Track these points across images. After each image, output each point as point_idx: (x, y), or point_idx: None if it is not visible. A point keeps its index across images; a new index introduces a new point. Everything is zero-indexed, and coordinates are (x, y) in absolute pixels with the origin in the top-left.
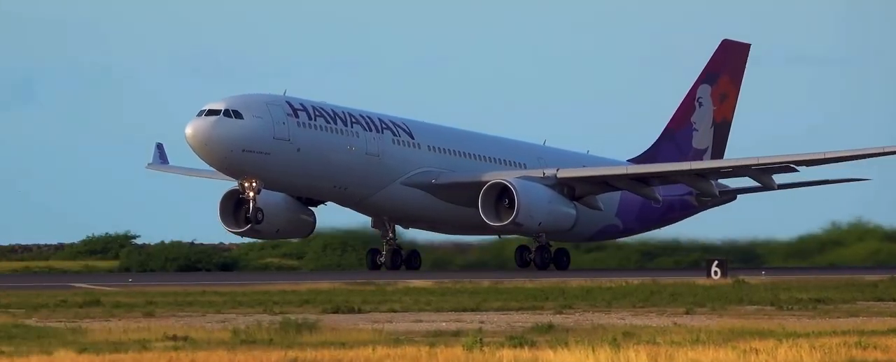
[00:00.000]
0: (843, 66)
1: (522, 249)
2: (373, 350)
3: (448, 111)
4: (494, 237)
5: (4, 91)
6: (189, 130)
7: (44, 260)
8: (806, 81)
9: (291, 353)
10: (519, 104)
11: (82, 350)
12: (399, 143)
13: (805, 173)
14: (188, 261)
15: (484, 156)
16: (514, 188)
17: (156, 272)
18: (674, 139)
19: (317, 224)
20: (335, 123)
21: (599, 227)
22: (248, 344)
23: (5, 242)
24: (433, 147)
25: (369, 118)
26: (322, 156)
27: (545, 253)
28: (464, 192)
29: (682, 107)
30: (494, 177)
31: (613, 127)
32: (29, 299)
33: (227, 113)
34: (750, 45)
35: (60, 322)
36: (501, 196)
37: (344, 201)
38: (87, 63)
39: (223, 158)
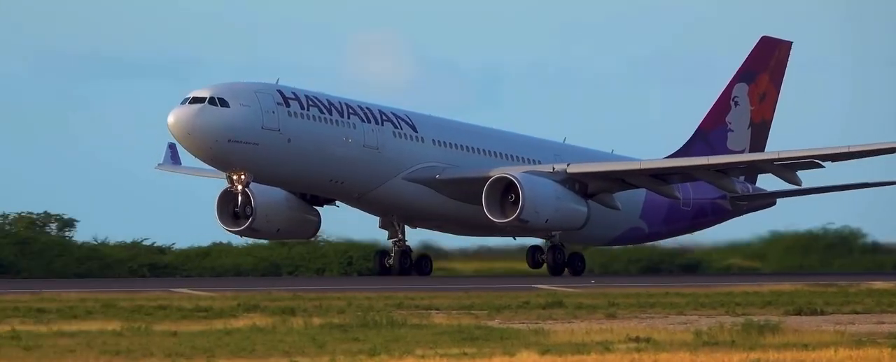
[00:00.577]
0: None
1: (535, 249)
2: (835, 351)
3: (465, 108)
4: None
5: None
6: (171, 118)
7: None
8: (851, 82)
9: (753, 355)
10: (540, 101)
11: (545, 351)
12: (401, 137)
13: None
14: (651, 262)
15: (494, 153)
16: (519, 182)
17: (618, 274)
18: (707, 140)
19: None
20: (330, 114)
21: (622, 230)
22: (710, 346)
23: None
24: (438, 141)
25: (368, 109)
26: (315, 147)
27: (558, 253)
28: (469, 188)
29: (717, 106)
30: (499, 171)
31: (642, 126)
32: (492, 300)
33: (212, 100)
34: (791, 42)
35: (523, 323)
36: (507, 192)
37: (343, 197)
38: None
39: (208, 149)
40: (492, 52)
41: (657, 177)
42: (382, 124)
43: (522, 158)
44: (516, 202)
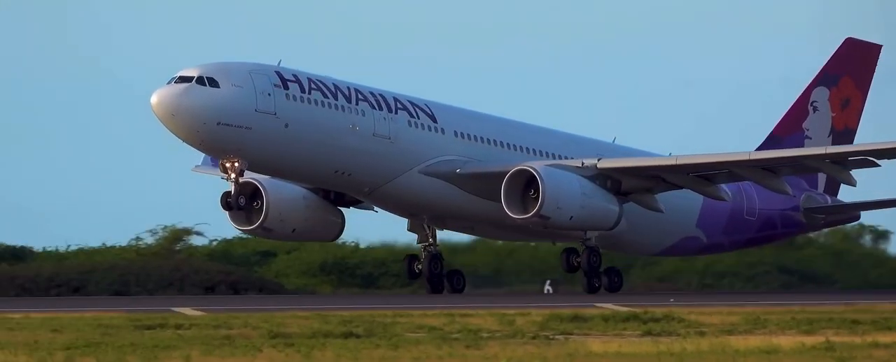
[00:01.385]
0: None
1: (570, 252)
2: None
3: (509, 105)
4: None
5: None
6: (154, 98)
7: None
8: None
9: None
10: (594, 101)
11: None
12: (417, 127)
13: None
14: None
15: (525, 148)
16: (539, 175)
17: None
18: (781, 146)
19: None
20: (335, 98)
21: (676, 239)
22: None
23: None
24: (461, 133)
25: (382, 96)
26: (317, 134)
27: (594, 256)
28: (492, 184)
29: (793, 111)
30: (520, 164)
31: (709, 131)
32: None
33: (200, 80)
34: (881, 46)
35: None
36: (529, 186)
37: (353, 190)
38: None
39: (195, 132)
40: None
41: (702, 178)
42: (396, 112)
43: (557, 156)
44: (538, 198)
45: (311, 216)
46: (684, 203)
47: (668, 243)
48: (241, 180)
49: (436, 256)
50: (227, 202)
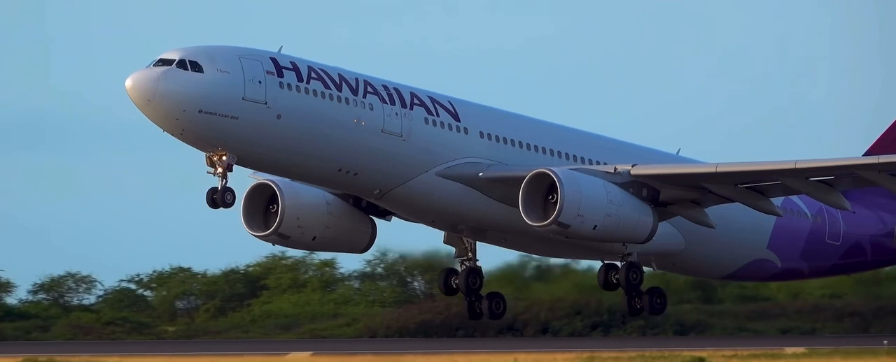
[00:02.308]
0: None
1: (608, 268)
2: None
3: (572, 112)
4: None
5: None
6: (129, 82)
7: None
8: None
9: None
10: (659, 113)
11: None
12: (435, 125)
13: None
14: None
15: (561, 153)
16: (558, 179)
17: None
18: None
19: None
20: (339, 90)
21: (744, 262)
22: None
23: None
24: (488, 134)
25: (397, 90)
26: (314, 127)
27: (634, 273)
28: (517, 190)
29: (893, 130)
30: (541, 167)
31: (798, 146)
32: None
33: (182, 63)
34: None
35: None
36: (551, 191)
37: (362, 192)
38: None
39: (173, 120)
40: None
41: (752, 190)
42: (412, 108)
43: (597, 162)
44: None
45: (334, 223)
46: (752, 221)
47: (734, 266)
48: (261, 181)
49: (474, 271)
50: (213, 199)
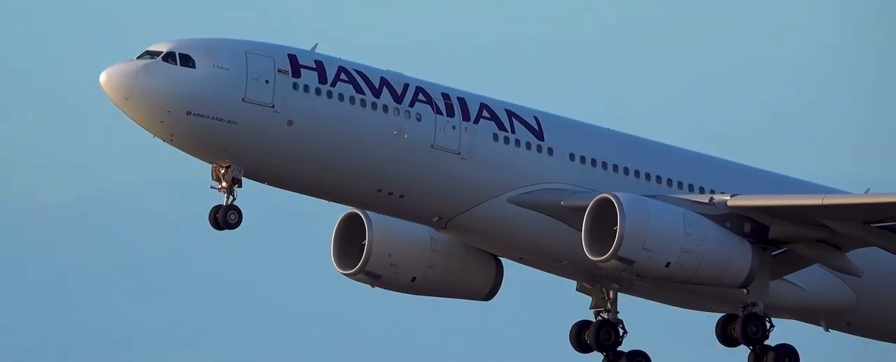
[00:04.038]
0: None
1: (727, 320)
2: None
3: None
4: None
5: None
6: (103, 76)
7: None
8: None
9: None
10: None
11: None
12: (507, 142)
13: None
14: None
15: (674, 181)
16: (619, 204)
17: None
18: None
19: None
20: (375, 95)
21: None
22: None
23: None
24: (579, 156)
25: (461, 100)
26: (337, 137)
27: (753, 326)
28: None
29: None
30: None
31: None
32: None
33: (170, 56)
34: None
35: None
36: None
37: (417, 217)
38: None
39: (158, 121)
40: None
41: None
42: (476, 121)
43: (716, 193)
44: None
45: (440, 262)
46: None
47: None
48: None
49: (608, 324)
50: (216, 219)
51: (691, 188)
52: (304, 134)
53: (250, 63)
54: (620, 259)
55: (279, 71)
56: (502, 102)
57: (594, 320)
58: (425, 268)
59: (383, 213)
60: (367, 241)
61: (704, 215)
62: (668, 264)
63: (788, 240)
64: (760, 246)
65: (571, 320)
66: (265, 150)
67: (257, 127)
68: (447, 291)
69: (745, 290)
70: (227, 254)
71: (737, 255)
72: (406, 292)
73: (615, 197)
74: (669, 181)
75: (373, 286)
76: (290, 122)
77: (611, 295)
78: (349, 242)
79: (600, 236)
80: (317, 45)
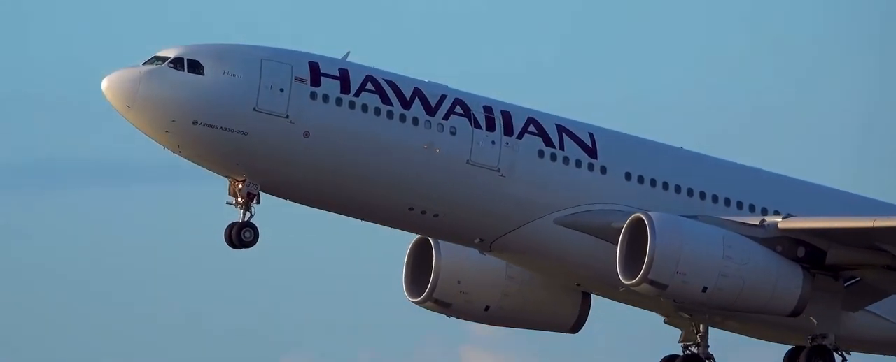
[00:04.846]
0: None
1: (794, 353)
2: None
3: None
4: None
5: None
6: (104, 83)
7: None
8: None
9: None
10: None
11: None
12: (554, 159)
13: None
14: None
15: (745, 204)
16: (650, 224)
17: None
18: None
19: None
20: (404, 107)
21: None
22: None
23: None
24: (637, 176)
25: (506, 114)
26: (358, 150)
27: (822, 358)
28: None
29: None
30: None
31: None
32: None
33: (177, 62)
34: None
35: None
36: None
37: (458, 238)
38: None
39: (164, 132)
40: None
41: None
42: (520, 137)
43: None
44: None
45: (517, 291)
46: None
47: None
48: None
49: (696, 358)
50: (230, 236)
51: (765, 212)
52: (322, 146)
53: (265, 70)
54: (652, 283)
55: (296, 79)
56: (554, 117)
57: (682, 354)
58: (500, 296)
59: (421, 234)
60: (433, 267)
61: (753, 238)
62: (704, 289)
63: (852, 267)
64: (827, 273)
65: (660, 354)
66: (281, 164)
67: (270, 138)
68: (528, 322)
69: (812, 320)
70: (293, 278)
71: (785, 281)
72: (482, 322)
73: (647, 215)
74: (740, 204)
75: (447, 315)
76: (306, 134)
77: (700, 329)
78: (422, 269)
79: (637, 259)
80: (348, 53)
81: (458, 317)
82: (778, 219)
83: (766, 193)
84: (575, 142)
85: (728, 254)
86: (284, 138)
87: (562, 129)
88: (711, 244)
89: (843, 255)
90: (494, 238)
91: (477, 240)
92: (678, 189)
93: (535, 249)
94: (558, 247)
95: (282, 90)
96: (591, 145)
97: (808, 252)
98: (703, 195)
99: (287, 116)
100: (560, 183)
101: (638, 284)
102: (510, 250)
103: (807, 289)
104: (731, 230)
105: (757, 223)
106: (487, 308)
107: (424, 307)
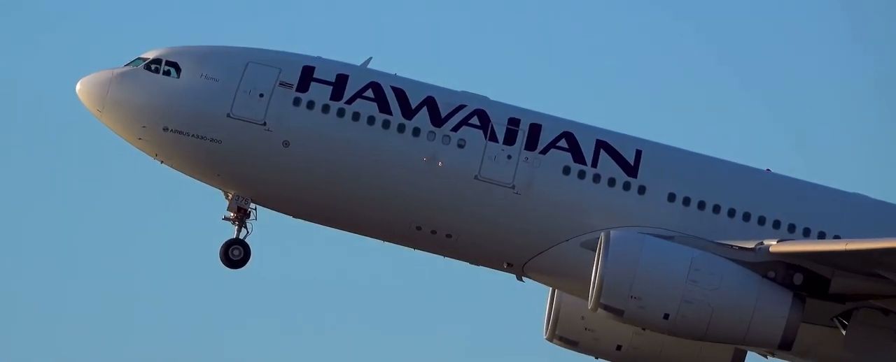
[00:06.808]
0: None
1: None
2: None
3: None
4: None
5: None
6: (78, 86)
7: None
8: None
9: None
10: None
11: None
12: (583, 177)
13: None
14: None
15: (797, 227)
16: (605, 243)
17: None
18: None
19: None
20: (405, 116)
21: None
22: None
23: None
24: (682, 197)
25: (534, 126)
26: (348, 164)
27: None
28: None
29: None
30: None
31: None
32: None
33: (154, 64)
34: None
35: None
36: None
37: (484, 262)
38: None
39: (137, 138)
40: None
41: None
42: (544, 152)
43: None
44: None
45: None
46: None
47: None
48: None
49: None
50: (225, 253)
51: (817, 235)
52: (304, 157)
53: (247, 74)
54: (606, 308)
55: (281, 84)
56: (600, 131)
57: None
58: (632, 334)
59: (443, 255)
60: (553, 301)
61: (742, 262)
62: (666, 316)
63: (855, 296)
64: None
65: None
66: (261, 175)
67: (245, 147)
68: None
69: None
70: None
71: (766, 308)
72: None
73: (606, 234)
74: (807, 230)
75: (558, 343)
76: (285, 143)
77: None
78: None
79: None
80: (370, 58)
81: (593, 356)
82: (773, 242)
83: (838, 217)
84: (614, 158)
85: (693, 278)
86: (261, 147)
87: (601, 145)
88: (674, 267)
89: (849, 284)
90: (523, 262)
91: (505, 265)
92: (732, 213)
93: (564, 273)
94: (585, 272)
95: (261, 95)
96: (632, 162)
97: (808, 279)
98: (761, 220)
99: (264, 124)
100: (587, 203)
101: (593, 309)
102: (543, 272)
103: (794, 318)
104: (712, 253)
105: (751, 247)
106: (619, 347)
107: (554, 343)
